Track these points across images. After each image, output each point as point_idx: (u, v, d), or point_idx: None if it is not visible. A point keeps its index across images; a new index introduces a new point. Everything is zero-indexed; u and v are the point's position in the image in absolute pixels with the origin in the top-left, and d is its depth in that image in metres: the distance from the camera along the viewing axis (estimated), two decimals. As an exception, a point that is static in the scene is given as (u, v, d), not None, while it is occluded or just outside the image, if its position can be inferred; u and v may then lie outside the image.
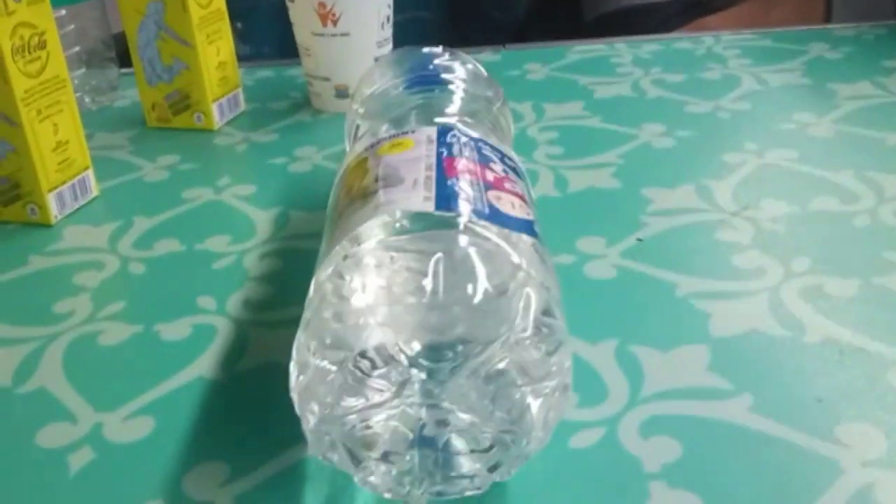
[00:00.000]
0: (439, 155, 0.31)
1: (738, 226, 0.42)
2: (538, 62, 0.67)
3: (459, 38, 0.80)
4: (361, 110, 0.41)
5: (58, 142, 0.47)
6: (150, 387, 0.33)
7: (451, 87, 0.41)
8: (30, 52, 0.46)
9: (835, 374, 0.31)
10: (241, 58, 0.60)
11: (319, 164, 0.52)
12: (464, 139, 0.33)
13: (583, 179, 0.48)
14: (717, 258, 0.39)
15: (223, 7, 0.58)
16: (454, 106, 0.39)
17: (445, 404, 0.24)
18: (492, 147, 0.33)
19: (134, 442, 0.31)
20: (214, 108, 0.58)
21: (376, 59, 0.59)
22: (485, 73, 0.43)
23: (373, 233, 0.27)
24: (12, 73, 0.44)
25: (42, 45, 0.47)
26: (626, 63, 0.66)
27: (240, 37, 0.80)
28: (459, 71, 0.42)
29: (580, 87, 0.62)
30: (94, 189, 0.50)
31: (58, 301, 0.40)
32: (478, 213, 0.28)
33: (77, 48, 0.61)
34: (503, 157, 0.33)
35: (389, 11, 0.59)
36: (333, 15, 0.57)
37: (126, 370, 0.35)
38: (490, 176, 0.31)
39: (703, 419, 0.30)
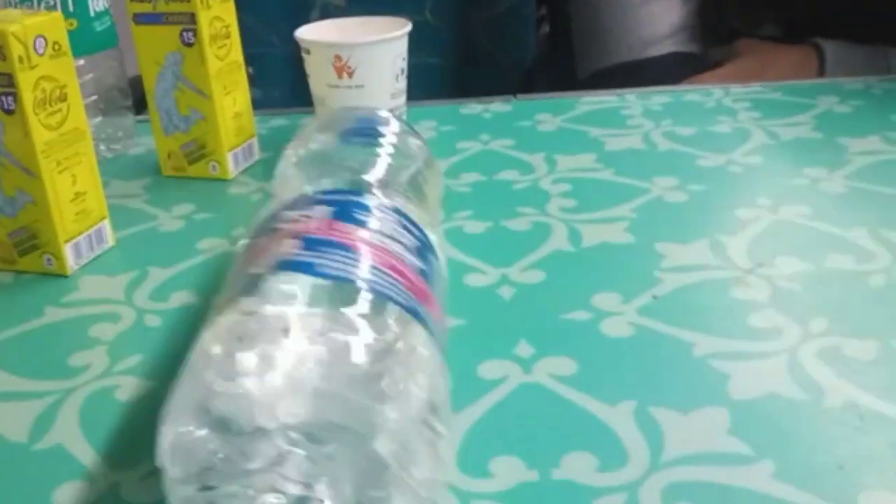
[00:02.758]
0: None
1: (753, 283, 0.42)
2: (549, 113, 0.68)
3: (468, 84, 0.81)
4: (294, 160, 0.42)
5: (76, 193, 0.48)
6: (167, 445, 0.33)
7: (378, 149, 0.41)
8: (51, 105, 0.46)
9: (856, 440, 0.31)
10: (252, 102, 0.60)
11: (334, 215, 0.53)
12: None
13: (596, 234, 0.48)
14: (734, 317, 0.39)
15: (240, 59, 0.59)
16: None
17: (319, 486, 0.24)
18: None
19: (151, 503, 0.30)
20: (230, 158, 0.58)
21: (390, 110, 0.60)
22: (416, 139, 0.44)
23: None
24: (33, 125, 0.45)
25: (63, 98, 0.47)
26: (637, 115, 0.66)
27: (251, 81, 0.81)
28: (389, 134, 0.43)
29: (591, 138, 0.62)
30: (111, 239, 0.50)
31: (74, 353, 0.40)
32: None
33: (94, 97, 0.62)
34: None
35: (404, 64, 0.60)
36: (349, 68, 0.57)
37: (142, 427, 0.34)
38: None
39: (725, 486, 0.29)
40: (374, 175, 0.38)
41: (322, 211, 0.32)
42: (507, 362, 0.37)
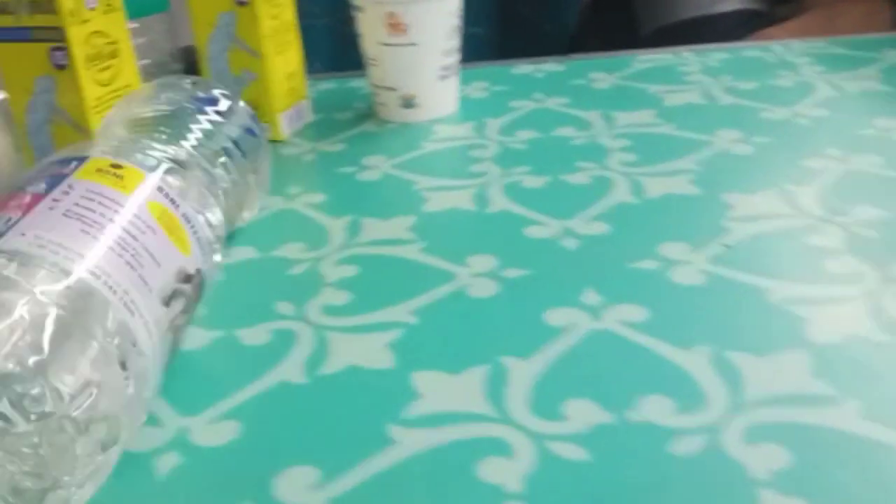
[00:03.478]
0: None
1: (827, 231, 0.40)
2: (603, 71, 0.66)
3: (511, 52, 0.79)
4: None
5: (134, 150, 0.47)
6: (234, 391, 0.33)
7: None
8: (102, 61, 0.46)
9: (948, 382, 0.30)
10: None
11: (389, 173, 0.52)
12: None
13: (660, 186, 0.47)
14: (809, 263, 0.38)
15: (293, 18, 0.58)
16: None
17: None
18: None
19: (221, 446, 0.30)
20: (282, 119, 0.58)
21: (443, 68, 0.59)
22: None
23: None
24: (84, 81, 0.45)
25: (114, 54, 0.47)
26: (695, 71, 0.65)
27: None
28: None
29: (649, 95, 0.61)
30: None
31: None
32: None
33: (146, 61, 0.62)
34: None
35: (457, 21, 0.59)
36: (403, 25, 0.56)
37: (209, 374, 0.34)
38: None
39: (810, 426, 0.28)
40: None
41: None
42: (574, 310, 0.36)
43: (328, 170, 0.53)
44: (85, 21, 0.45)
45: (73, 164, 0.33)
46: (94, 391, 0.26)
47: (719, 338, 0.33)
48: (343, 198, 0.49)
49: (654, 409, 0.30)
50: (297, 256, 0.43)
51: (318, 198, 0.49)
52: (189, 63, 0.64)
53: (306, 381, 0.33)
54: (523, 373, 0.32)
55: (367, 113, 0.63)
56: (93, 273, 0.29)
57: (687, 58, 0.68)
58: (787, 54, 0.67)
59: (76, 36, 0.45)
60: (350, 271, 0.41)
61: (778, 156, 0.49)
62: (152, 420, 0.32)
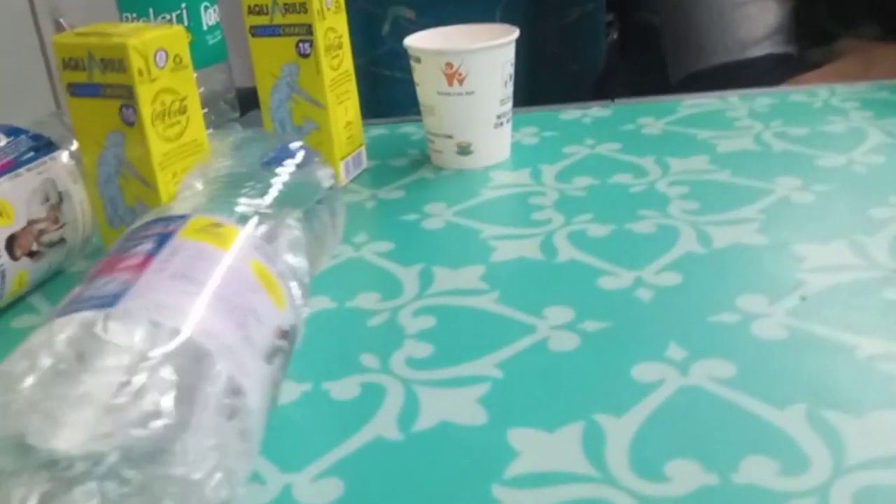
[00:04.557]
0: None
1: (903, 283, 0.41)
2: (650, 116, 0.67)
3: (539, 92, 0.80)
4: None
5: (207, 201, 0.48)
6: (332, 447, 0.33)
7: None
8: (170, 117, 0.47)
9: None
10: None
11: (451, 221, 0.53)
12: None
13: (727, 235, 0.47)
14: (892, 318, 0.38)
15: (351, 68, 0.59)
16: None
17: None
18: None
19: (327, 504, 0.31)
20: (342, 166, 0.59)
21: (498, 116, 0.60)
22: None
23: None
24: (151, 137, 0.46)
25: (183, 111, 0.48)
26: (743, 116, 0.65)
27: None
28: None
29: (700, 140, 0.61)
30: (236, 247, 0.51)
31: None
32: None
33: (205, 110, 0.63)
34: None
35: (511, 70, 0.60)
36: (460, 75, 0.57)
37: (304, 429, 0.35)
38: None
39: (920, 489, 0.28)
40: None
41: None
42: (660, 365, 0.36)
43: (391, 217, 0.54)
44: (154, 80, 0.46)
45: (175, 223, 0.34)
46: (218, 454, 0.27)
47: (813, 396, 0.33)
48: (410, 246, 0.50)
49: (758, 471, 0.30)
50: (374, 307, 0.43)
51: (386, 246, 0.50)
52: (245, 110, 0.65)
53: (401, 438, 0.34)
54: (619, 430, 0.33)
55: (421, 159, 0.63)
56: (205, 333, 0.29)
57: (732, 102, 0.69)
58: (833, 99, 0.67)
59: (144, 95, 0.45)
60: (428, 322, 0.42)
61: (841, 204, 0.50)
62: (256, 477, 0.32)
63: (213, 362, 0.29)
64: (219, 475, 0.27)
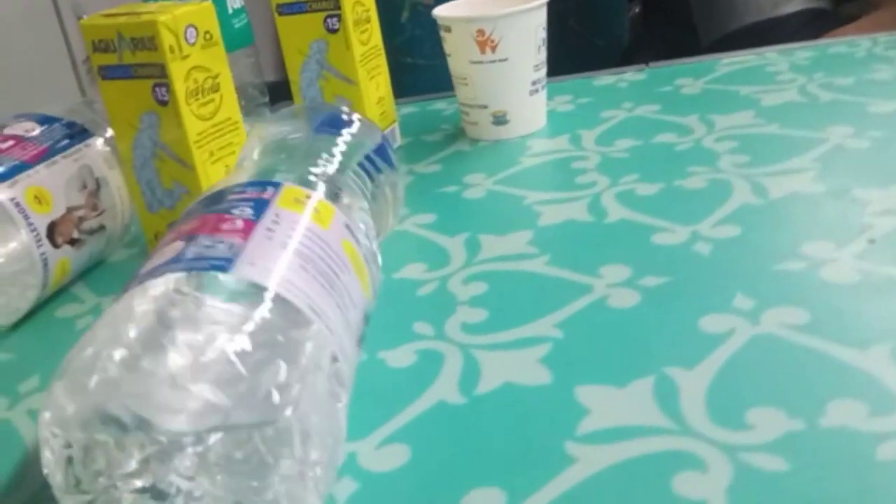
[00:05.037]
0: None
1: (976, 221, 0.39)
2: (688, 77, 0.65)
3: (563, 67, 0.79)
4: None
5: (245, 180, 0.47)
6: (394, 413, 0.32)
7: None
8: (203, 95, 0.46)
9: None
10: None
11: (493, 189, 0.51)
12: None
13: (783, 185, 0.45)
14: (969, 254, 0.36)
15: (380, 43, 0.58)
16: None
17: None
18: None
19: (394, 470, 0.29)
20: (377, 143, 0.58)
21: (533, 83, 0.58)
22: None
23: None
24: (186, 116, 0.45)
25: (216, 88, 0.47)
26: (784, 70, 0.63)
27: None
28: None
29: (743, 96, 0.60)
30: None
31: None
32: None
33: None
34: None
35: (544, 34, 0.58)
36: (492, 41, 0.56)
37: (364, 398, 0.34)
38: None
39: None
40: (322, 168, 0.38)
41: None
42: (729, 315, 0.35)
43: (431, 190, 0.53)
44: (185, 56, 0.45)
45: (269, 189, 0.33)
46: (331, 440, 0.26)
47: (893, 336, 0.32)
48: (453, 216, 0.49)
49: (846, 414, 0.28)
50: (422, 277, 0.42)
51: (429, 218, 0.49)
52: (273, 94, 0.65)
53: (465, 401, 0.33)
54: (692, 382, 0.31)
55: (455, 133, 0.62)
56: (316, 311, 0.28)
57: (771, 58, 0.67)
58: (876, 48, 0.65)
59: (177, 72, 0.44)
60: (480, 288, 0.40)
61: (898, 149, 0.48)
62: (318, 448, 0.31)
63: (325, 343, 0.28)
64: (328, 458, 0.25)
